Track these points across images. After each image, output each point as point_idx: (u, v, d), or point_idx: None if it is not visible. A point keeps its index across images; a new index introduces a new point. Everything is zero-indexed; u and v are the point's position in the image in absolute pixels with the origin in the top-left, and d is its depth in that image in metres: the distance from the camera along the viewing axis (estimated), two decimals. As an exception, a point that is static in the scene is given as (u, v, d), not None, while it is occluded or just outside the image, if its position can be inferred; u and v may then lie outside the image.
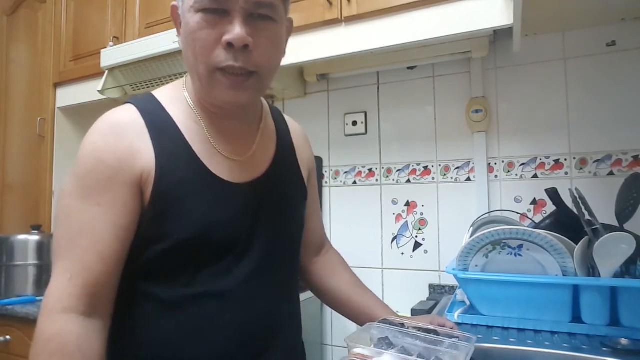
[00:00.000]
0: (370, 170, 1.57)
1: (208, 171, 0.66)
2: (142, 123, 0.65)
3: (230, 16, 0.61)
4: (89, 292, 0.59)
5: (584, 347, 0.76)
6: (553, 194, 1.02)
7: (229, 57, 0.61)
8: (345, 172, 1.61)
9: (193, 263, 0.64)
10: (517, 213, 1.30)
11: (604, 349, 0.75)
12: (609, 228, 0.86)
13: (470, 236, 0.98)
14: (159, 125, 0.66)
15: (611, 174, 1.23)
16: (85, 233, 0.60)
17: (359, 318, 0.85)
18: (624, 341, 0.76)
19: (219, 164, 0.68)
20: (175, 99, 0.70)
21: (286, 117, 0.86)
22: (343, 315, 0.89)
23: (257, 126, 0.76)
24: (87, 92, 1.84)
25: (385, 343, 0.64)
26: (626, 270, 0.86)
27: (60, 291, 0.59)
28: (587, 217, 0.89)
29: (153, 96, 0.70)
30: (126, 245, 0.63)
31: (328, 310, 1.54)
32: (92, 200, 0.61)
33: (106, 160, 0.62)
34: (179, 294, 0.64)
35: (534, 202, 1.32)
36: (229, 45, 0.60)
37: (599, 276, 0.82)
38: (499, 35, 1.33)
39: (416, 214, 1.48)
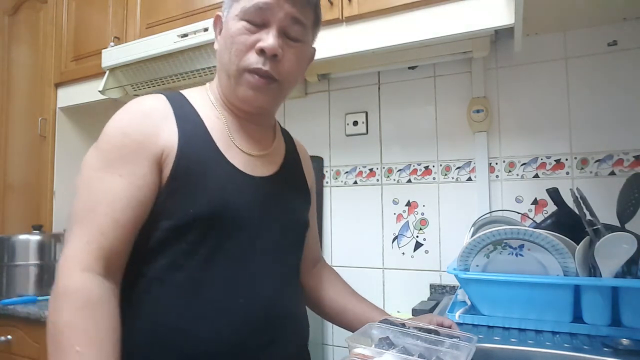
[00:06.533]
0: (371, 170, 1.57)
1: (225, 158, 0.71)
2: (169, 108, 0.70)
3: (267, 28, 0.70)
4: (105, 256, 0.61)
5: (585, 347, 0.76)
6: (554, 193, 1.02)
7: (259, 61, 0.69)
8: (346, 172, 1.61)
9: (203, 245, 0.66)
10: (518, 213, 1.30)
11: (605, 349, 0.75)
12: (610, 228, 0.86)
13: (471, 236, 0.98)
14: (184, 113, 0.71)
15: (612, 173, 1.23)
16: (103, 201, 0.63)
17: (356, 326, 0.84)
18: (625, 341, 0.76)
19: (234, 156, 0.73)
20: (200, 97, 0.77)
21: (293, 137, 0.94)
22: (340, 325, 0.90)
23: (270, 132, 0.84)
24: (88, 92, 1.84)
25: (386, 343, 0.64)
26: (627, 270, 0.86)
27: (79, 253, 0.60)
28: (588, 217, 0.89)
29: (180, 92, 0.76)
30: (141, 218, 0.65)
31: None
32: (115, 172, 0.64)
33: (132, 135, 0.66)
34: (189, 277, 0.65)
35: (535, 202, 1.32)
36: (262, 51, 0.69)
37: (600, 276, 0.82)
38: (500, 35, 1.33)
39: (417, 213, 1.48)
